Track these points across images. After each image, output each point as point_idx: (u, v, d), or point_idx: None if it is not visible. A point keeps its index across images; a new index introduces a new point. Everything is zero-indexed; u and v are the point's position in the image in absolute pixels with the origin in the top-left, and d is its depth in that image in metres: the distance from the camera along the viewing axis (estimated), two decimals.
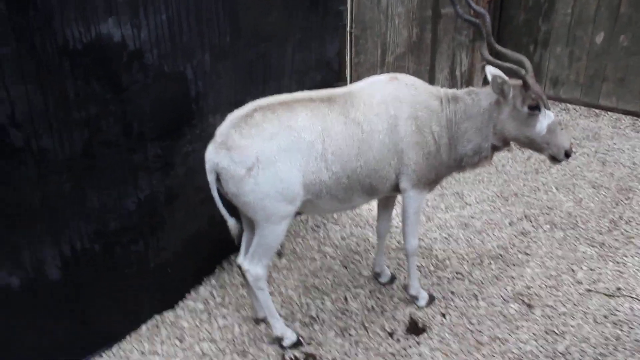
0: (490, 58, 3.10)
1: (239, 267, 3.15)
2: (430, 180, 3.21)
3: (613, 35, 6.11)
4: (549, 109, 3.06)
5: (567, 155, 3.07)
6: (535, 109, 3.02)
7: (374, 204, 4.68)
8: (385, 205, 3.58)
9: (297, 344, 3.20)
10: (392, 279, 3.77)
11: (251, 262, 3.03)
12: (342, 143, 2.92)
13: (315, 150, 2.86)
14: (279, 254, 4.00)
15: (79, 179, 2.82)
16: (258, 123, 2.80)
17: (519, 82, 3.04)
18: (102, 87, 2.79)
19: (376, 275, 3.79)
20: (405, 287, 3.62)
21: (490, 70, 3.10)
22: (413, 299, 3.56)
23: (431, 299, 3.56)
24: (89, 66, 2.71)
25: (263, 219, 2.89)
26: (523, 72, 2.99)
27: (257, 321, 3.41)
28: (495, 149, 3.25)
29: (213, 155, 2.82)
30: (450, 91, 3.25)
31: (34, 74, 2.52)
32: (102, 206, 2.97)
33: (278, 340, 3.20)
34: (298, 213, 3.17)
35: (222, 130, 2.86)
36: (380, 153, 3.01)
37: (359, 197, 3.12)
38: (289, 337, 3.20)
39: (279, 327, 3.19)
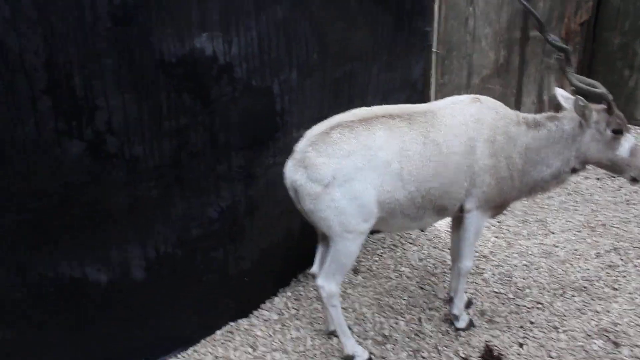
0: (578, 84, 3.16)
1: (313, 277, 3.20)
2: (495, 204, 3.20)
3: None
4: (629, 132, 3.17)
5: None
6: (618, 132, 3.11)
7: None
8: (459, 227, 3.51)
9: None
10: (469, 303, 3.67)
11: (325, 279, 3.04)
12: (419, 163, 2.92)
13: (392, 169, 2.87)
14: (355, 271, 3.99)
15: (166, 186, 2.96)
16: (335, 141, 2.84)
17: (601, 106, 3.14)
18: (192, 99, 2.92)
19: (449, 298, 3.66)
20: (450, 305, 3.50)
21: (561, 93, 3.29)
22: (453, 319, 3.49)
23: (470, 324, 3.48)
24: (182, 79, 2.84)
25: (338, 236, 2.92)
26: (610, 96, 3.09)
27: (330, 334, 3.41)
28: (573, 171, 3.29)
29: (292, 173, 2.90)
30: (531, 116, 3.24)
31: (131, 85, 2.68)
32: (186, 213, 3.09)
33: (349, 359, 3.18)
34: (372, 232, 3.18)
35: (300, 147, 2.92)
36: (455, 175, 3.00)
37: (429, 216, 3.12)
38: (360, 356, 3.17)
39: (350, 345, 3.17)
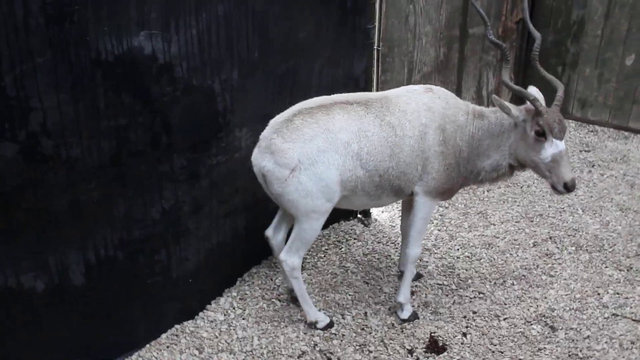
0: (507, 82, 3.23)
1: (267, 239, 3.53)
2: (443, 190, 3.33)
3: None
4: (560, 139, 3.09)
5: (567, 188, 3.10)
6: (541, 135, 3.09)
7: (396, 220, 4.68)
8: (410, 206, 3.61)
9: (330, 325, 3.47)
10: (418, 276, 3.84)
11: (288, 253, 3.25)
12: (377, 143, 3.12)
13: (352, 149, 3.07)
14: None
15: (107, 187, 2.89)
16: (298, 127, 3.05)
17: (531, 106, 3.12)
18: (131, 98, 2.86)
19: (400, 273, 3.84)
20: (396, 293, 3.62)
21: (533, 91, 3.22)
22: (398, 307, 3.58)
23: (414, 316, 3.57)
24: (120, 78, 2.78)
25: (304, 216, 3.12)
26: (532, 97, 3.07)
27: (294, 300, 3.62)
28: (513, 168, 3.35)
29: (259, 160, 3.11)
30: (478, 108, 3.40)
31: (67, 85, 2.60)
32: (128, 214, 3.03)
33: (313, 325, 3.44)
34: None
35: (265, 135, 3.12)
36: (409, 157, 3.18)
37: (387, 196, 3.32)
38: (323, 320, 3.45)
39: (312, 313, 3.43)
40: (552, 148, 3.08)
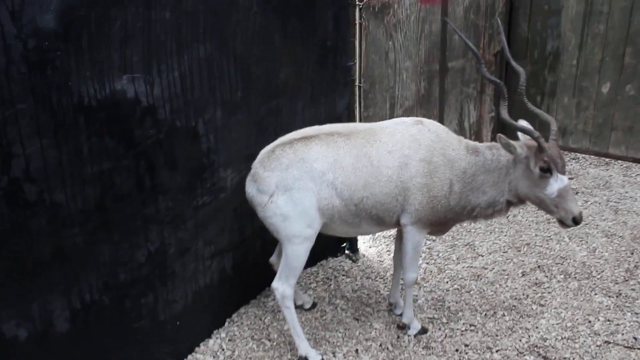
0: (508, 119, 3.24)
1: (271, 266, 3.77)
2: (429, 222, 3.34)
3: (619, 84, 6.18)
4: (563, 173, 3.11)
5: (575, 221, 3.14)
6: (546, 171, 3.09)
7: (384, 255, 4.67)
8: (401, 238, 3.62)
9: None
10: (424, 331, 3.77)
11: (279, 281, 3.34)
12: (351, 174, 3.21)
13: (327, 178, 3.20)
14: (313, 305, 4.01)
15: (91, 232, 2.86)
16: (277, 157, 3.25)
17: (533, 143, 3.12)
18: (115, 142, 2.86)
19: (390, 306, 3.93)
20: (401, 316, 3.77)
21: (522, 126, 3.22)
22: (405, 327, 3.67)
23: (423, 331, 3.66)
24: (103, 122, 2.78)
25: (286, 240, 3.27)
26: (536, 134, 3.08)
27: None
28: (509, 204, 3.36)
29: (247, 187, 3.35)
30: (472, 143, 3.41)
31: (49, 130, 2.59)
32: (113, 259, 2.99)
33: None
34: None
35: (254, 164, 3.35)
36: (386, 187, 3.24)
37: (369, 225, 3.38)
38: (313, 357, 3.40)
39: (303, 347, 3.40)
40: (557, 183, 3.09)
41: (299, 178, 3.19)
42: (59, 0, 2.49)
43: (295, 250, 3.26)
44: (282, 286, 3.31)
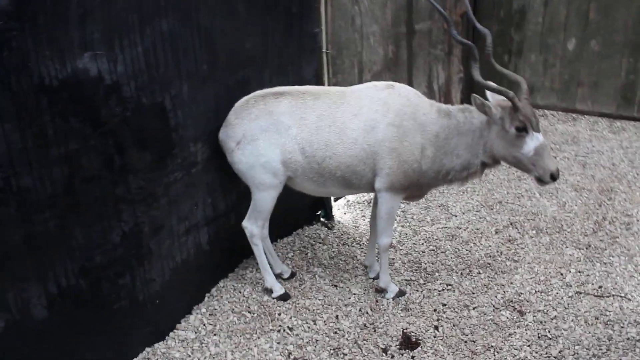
0: (481, 80, 3.20)
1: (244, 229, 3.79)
2: (402, 187, 3.35)
3: (584, 41, 6.24)
4: (538, 131, 3.12)
5: (553, 178, 3.14)
6: (522, 130, 3.09)
7: (359, 221, 4.70)
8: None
9: (284, 297, 3.72)
10: (401, 293, 3.82)
11: (248, 221, 3.62)
12: (313, 131, 3.32)
13: (291, 133, 3.33)
14: (292, 275, 4.02)
15: (62, 216, 2.81)
16: (248, 107, 3.41)
17: (507, 103, 3.11)
18: (80, 122, 2.79)
19: (366, 269, 4.02)
20: (376, 279, 3.86)
21: (496, 86, 3.20)
22: (383, 291, 3.73)
23: (401, 293, 3.72)
24: (67, 102, 2.71)
25: (253, 186, 3.49)
26: (511, 94, 3.06)
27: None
28: (484, 165, 3.37)
29: (220, 132, 3.49)
30: (444, 107, 3.40)
31: (11, 114, 2.52)
32: (87, 241, 2.95)
33: (268, 292, 3.74)
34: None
35: (229, 113, 3.48)
36: (351, 150, 3.29)
37: (335, 186, 3.48)
38: (278, 291, 3.72)
39: (270, 280, 3.73)
40: (533, 141, 3.09)
41: (266, 129, 3.34)
42: None
43: (262, 197, 3.48)
44: (251, 226, 3.59)
